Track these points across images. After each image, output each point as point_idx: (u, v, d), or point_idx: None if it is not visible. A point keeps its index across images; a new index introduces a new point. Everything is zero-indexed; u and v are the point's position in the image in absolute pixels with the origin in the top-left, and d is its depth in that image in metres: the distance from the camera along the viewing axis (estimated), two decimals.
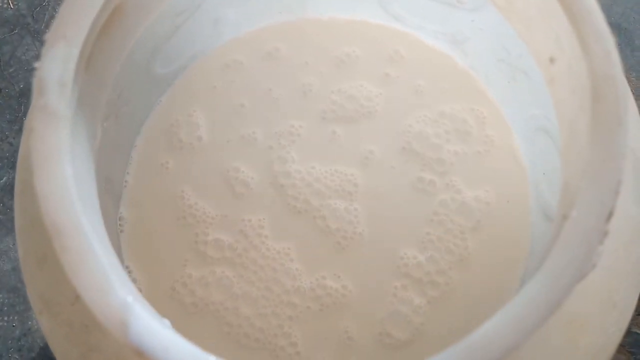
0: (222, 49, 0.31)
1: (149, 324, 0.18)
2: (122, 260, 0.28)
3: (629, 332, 0.35)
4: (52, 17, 0.44)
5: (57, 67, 0.19)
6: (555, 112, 0.24)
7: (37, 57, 0.24)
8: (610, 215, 0.19)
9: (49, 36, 0.20)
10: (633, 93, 0.23)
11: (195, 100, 0.30)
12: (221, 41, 0.31)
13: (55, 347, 0.23)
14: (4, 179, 0.41)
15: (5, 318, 0.38)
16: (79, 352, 0.22)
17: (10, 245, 0.39)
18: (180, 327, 0.20)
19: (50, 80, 0.19)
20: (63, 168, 0.19)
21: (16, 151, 0.41)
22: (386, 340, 0.27)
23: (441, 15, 0.30)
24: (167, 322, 0.19)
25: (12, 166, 0.41)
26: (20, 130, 0.41)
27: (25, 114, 0.41)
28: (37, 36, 0.44)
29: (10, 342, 0.38)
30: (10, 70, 0.43)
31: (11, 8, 0.43)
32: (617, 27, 0.42)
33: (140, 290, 0.28)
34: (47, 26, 0.43)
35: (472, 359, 0.18)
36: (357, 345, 0.27)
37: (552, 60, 0.24)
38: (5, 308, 0.38)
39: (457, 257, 0.28)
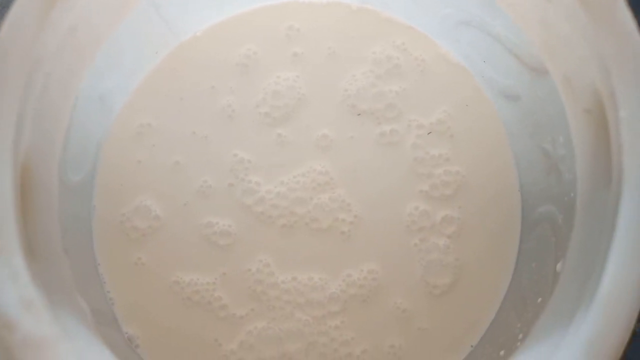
0: (123, 121, 0.28)
1: None
2: None
3: None
4: None
5: (8, 290, 0.16)
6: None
7: None
8: None
9: None
10: None
11: (128, 186, 0.27)
12: (116, 112, 0.28)
13: None
14: None
15: None
16: None
17: None
18: None
19: (11, 308, 0.16)
20: None
21: None
22: (435, 291, 0.27)
23: None
24: None
25: None
26: None
27: None
28: None
29: None
30: None
31: None
32: None
33: None
34: None
35: None
36: (414, 312, 0.27)
37: None
38: None
39: (454, 186, 0.28)
